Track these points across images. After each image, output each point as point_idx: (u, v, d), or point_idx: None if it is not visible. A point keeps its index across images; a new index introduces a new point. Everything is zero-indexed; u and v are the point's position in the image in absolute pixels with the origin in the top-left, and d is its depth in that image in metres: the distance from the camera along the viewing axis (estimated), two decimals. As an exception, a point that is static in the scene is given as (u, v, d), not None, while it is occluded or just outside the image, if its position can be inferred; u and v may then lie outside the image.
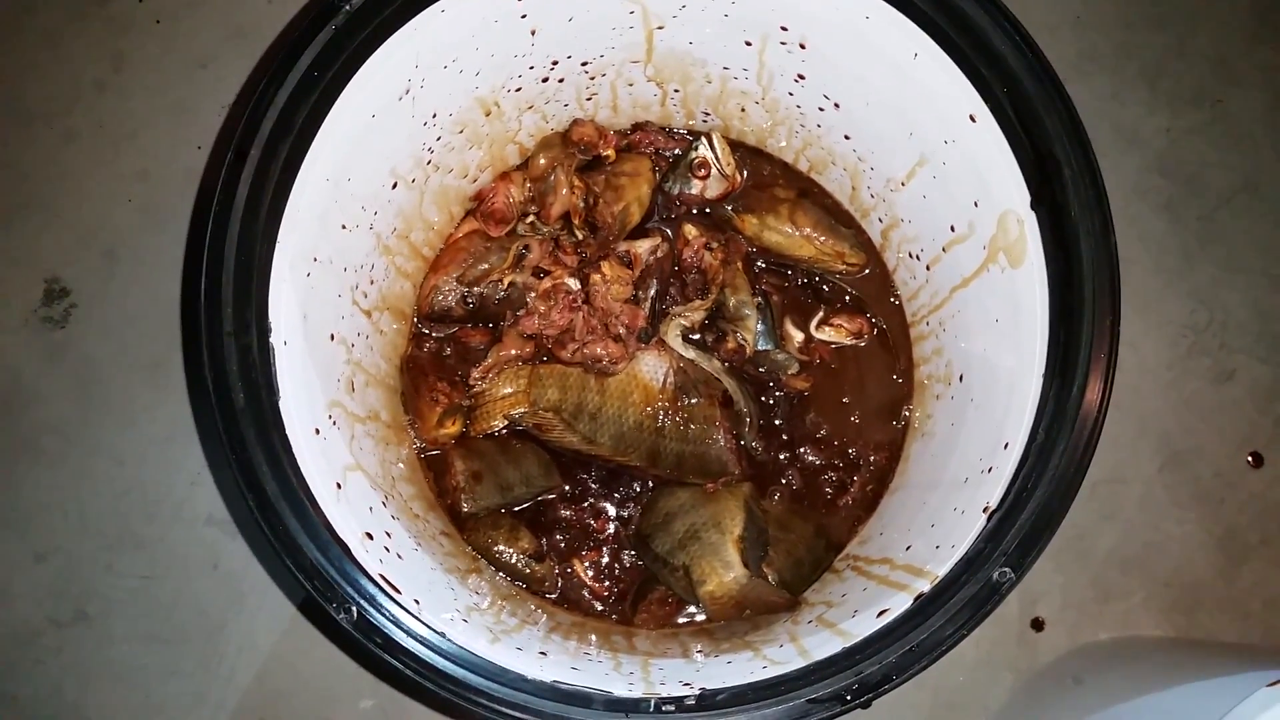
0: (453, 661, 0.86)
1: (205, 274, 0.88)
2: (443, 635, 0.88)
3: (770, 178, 1.31)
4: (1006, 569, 0.86)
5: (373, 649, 0.86)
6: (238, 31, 1.51)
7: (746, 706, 0.85)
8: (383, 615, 0.87)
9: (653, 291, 1.20)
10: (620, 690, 0.89)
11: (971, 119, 0.97)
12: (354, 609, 0.86)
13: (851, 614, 0.97)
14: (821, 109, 1.18)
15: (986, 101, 0.95)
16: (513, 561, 1.16)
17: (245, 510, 1.25)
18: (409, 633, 0.87)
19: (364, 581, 0.88)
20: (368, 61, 0.95)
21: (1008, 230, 0.98)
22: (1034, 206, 0.94)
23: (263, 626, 1.35)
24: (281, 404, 0.89)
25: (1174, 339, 1.44)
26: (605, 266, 1.17)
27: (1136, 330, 1.43)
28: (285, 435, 0.89)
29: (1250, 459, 1.40)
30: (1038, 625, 1.36)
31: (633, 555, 1.20)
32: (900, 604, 0.91)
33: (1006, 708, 1.33)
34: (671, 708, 0.86)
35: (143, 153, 1.48)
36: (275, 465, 0.87)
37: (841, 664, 0.86)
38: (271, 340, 0.90)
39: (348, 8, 0.91)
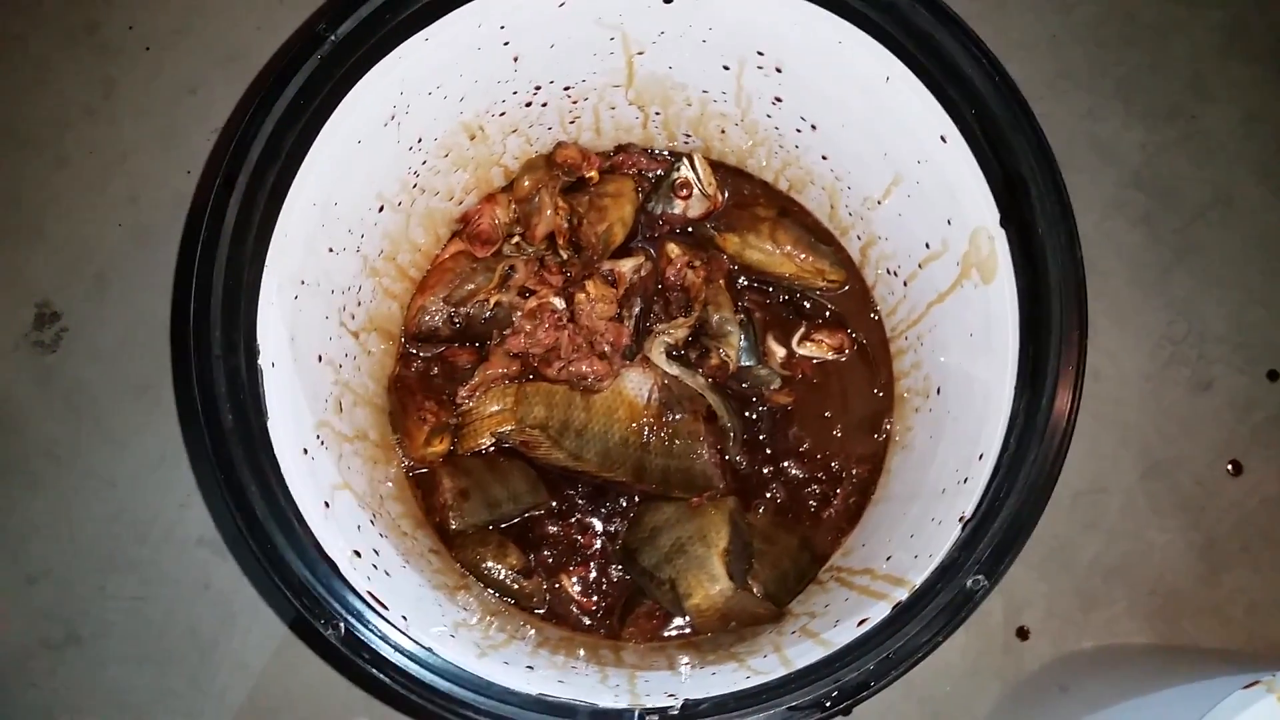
0: (440, 675, 0.87)
1: (194, 297, 0.89)
2: (430, 650, 0.89)
3: (751, 197, 1.32)
4: (980, 576, 0.87)
5: (361, 664, 0.87)
6: (226, 58, 1.53)
7: (728, 714, 0.87)
8: (370, 631, 0.88)
9: (637, 310, 1.21)
10: (606, 702, 0.90)
11: (942, 139, 0.99)
12: (342, 625, 0.87)
13: (834, 624, 0.98)
14: (799, 130, 1.20)
15: (956, 122, 0.97)
16: (501, 578, 1.17)
17: (235, 530, 1.26)
18: (396, 648, 0.88)
19: (352, 598, 0.89)
20: (354, 88, 0.96)
21: (979, 247, 1.00)
22: (1003, 224, 0.96)
23: (254, 646, 1.35)
24: (269, 425, 0.91)
25: (1153, 350, 1.45)
26: (590, 286, 1.19)
27: (1115, 341, 1.44)
28: (274, 456, 0.90)
29: (1230, 467, 1.42)
30: (1023, 634, 1.37)
31: (620, 570, 1.21)
32: (880, 613, 0.92)
33: (993, 716, 1.34)
34: (655, 717, 0.87)
35: (132, 178, 1.49)
36: (264, 485, 0.88)
37: (821, 672, 0.88)
38: (259, 362, 0.92)
39: (333, 37, 0.93)
